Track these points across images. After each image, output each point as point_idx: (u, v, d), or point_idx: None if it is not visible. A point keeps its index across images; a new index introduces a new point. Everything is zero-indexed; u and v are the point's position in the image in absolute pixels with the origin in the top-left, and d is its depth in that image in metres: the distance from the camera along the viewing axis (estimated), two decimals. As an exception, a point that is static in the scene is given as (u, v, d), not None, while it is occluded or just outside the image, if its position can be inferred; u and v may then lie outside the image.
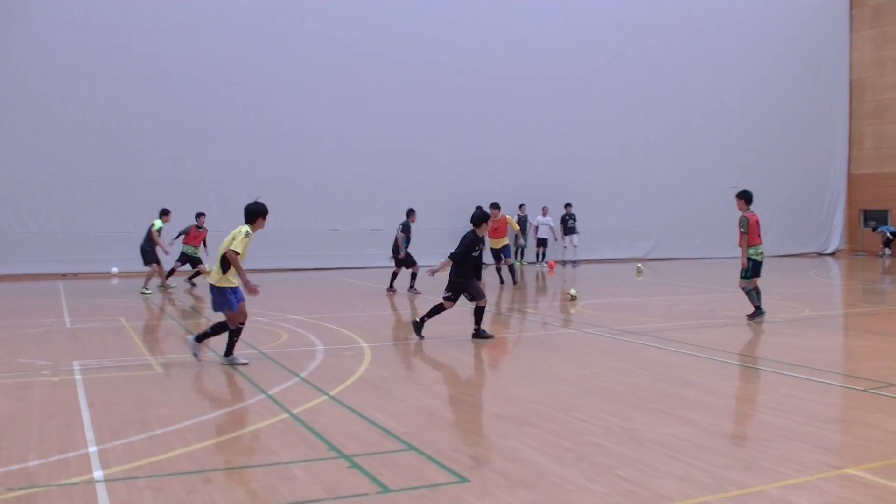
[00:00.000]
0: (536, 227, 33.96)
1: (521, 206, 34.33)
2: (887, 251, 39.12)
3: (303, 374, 11.79)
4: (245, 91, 30.97)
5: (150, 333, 16.50)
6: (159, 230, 23.84)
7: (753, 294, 17.17)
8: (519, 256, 34.89)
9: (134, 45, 29.77)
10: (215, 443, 8.40)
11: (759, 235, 17.16)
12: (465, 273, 15.13)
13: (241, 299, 12.60)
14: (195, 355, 12.66)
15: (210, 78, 30.61)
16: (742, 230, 17.06)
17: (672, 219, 38.18)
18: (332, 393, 10.62)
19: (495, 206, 25.26)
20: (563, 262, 33.76)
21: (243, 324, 12.76)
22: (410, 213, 24.10)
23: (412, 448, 8.15)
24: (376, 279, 26.18)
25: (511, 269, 25.71)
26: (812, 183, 41.97)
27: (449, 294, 15.27)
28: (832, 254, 42.50)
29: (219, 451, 8.11)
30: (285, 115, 31.41)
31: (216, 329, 12.72)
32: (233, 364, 12.52)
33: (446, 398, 10.45)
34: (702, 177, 38.64)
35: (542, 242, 34.09)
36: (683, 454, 7.96)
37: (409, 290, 22.99)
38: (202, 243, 25.55)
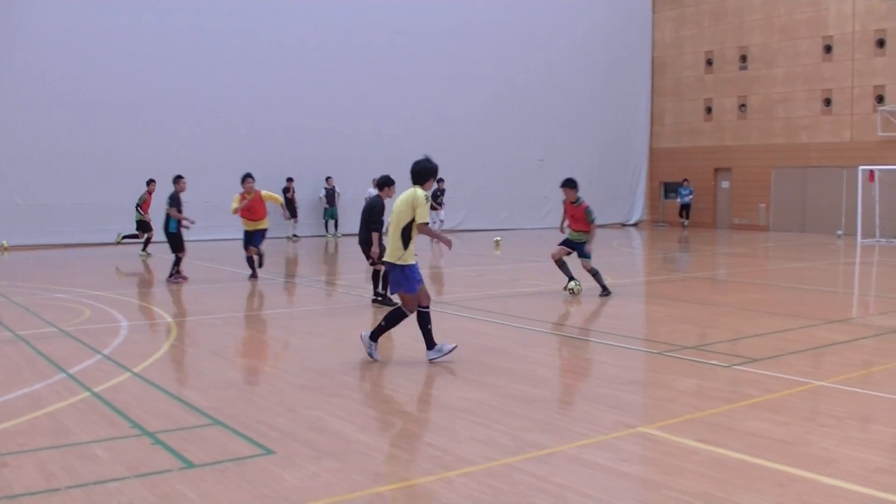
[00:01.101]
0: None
1: (327, 178, 34.24)
2: (685, 221, 40.60)
3: (105, 352, 11.49)
4: (21, 59, 29.36)
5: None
6: None
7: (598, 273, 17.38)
8: (334, 229, 34.72)
9: None
10: (11, 425, 8.08)
11: None
12: (370, 239, 15.55)
13: (420, 281, 10.83)
14: (371, 355, 10.88)
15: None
16: (591, 220, 16.94)
17: (481, 191, 38.76)
18: (135, 370, 10.40)
19: (248, 177, 19.68)
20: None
21: (428, 307, 10.90)
22: (177, 179, 20.20)
23: (217, 422, 8.07)
24: (205, 252, 25.65)
25: (261, 258, 20.30)
26: (615, 156, 43.27)
27: (372, 259, 15.68)
28: (634, 224, 43.95)
29: (15, 434, 7.81)
30: (76, 87, 29.88)
31: (391, 320, 10.88)
32: (442, 353, 10.83)
33: (252, 371, 10.39)
34: (509, 150, 39.34)
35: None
36: (486, 419, 8.14)
37: (168, 279, 19.51)
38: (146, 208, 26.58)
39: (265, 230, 20.00)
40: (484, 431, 7.75)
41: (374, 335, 10.88)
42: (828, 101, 37.74)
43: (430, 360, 10.75)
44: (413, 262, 10.66)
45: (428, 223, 10.55)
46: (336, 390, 9.32)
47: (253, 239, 19.74)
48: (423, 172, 10.78)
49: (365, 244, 15.73)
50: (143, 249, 26.53)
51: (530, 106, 40.00)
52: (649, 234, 38.35)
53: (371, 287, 15.92)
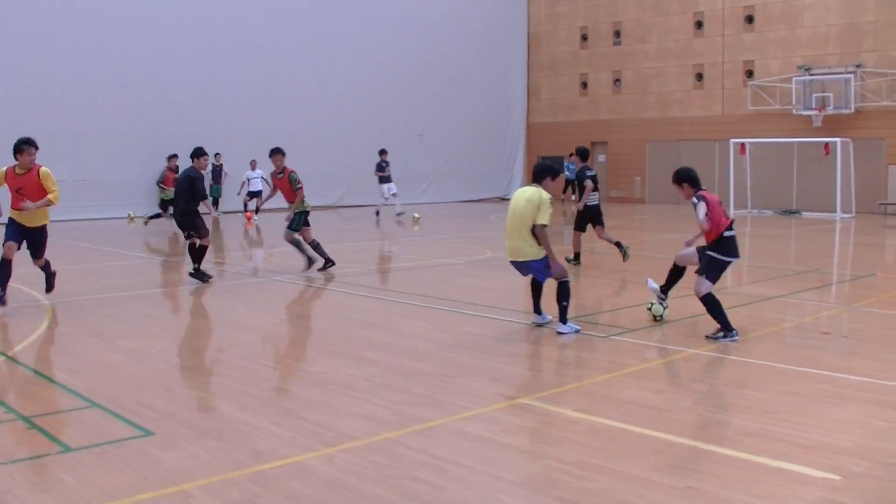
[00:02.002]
0: (247, 181, 32.49)
1: (216, 154, 33.45)
2: (572, 196, 40.75)
3: (-24, 336, 11.23)
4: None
5: None
6: None
7: (306, 246, 17.25)
8: (215, 207, 33.91)
9: None
10: None
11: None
12: (193, 211, 15.59)
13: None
14: (577, 331, 10.89)
15: None
16: (298, 186, 17.03)
17: (360, 166, 38.47)
18: (9, 353, 10.16)
19: (26, 144, 12.88)
20: (378, 212, 31.91)
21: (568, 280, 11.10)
22: None
23: (94, 405, 7.93)
24: (78, 232, 25.03)
25: (49, 275, 13.98)
26: (493, 131, 43.54)
27: (189, 232, 15.74)
28: (513, 199, 44.26)
29: None
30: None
31: (564, 296, 10.94)
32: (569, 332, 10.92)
33: (130, 352, 10.20)
34: (390, 125, 39.14)
35: (256, 195, 32.66)
36: (367, 394, 8.16)
37: None
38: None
39: (45, 227, 13.56)
40: (364, 406, 7.77)
41: (563, 317, 10.96)
42: (699, 76, 38.51)
43: (559, 332, 10.93)
44: (544, 253, 10.94)
45: (546, 225, 10.81)
46: (215, 369, 9.26)
47: (36, 240, 13.48)
48: (542, 171, 11.40)
49: (187, 216, 15.73)
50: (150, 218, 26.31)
51: (409, 81, 39.93)
52: (528, 208, 38.61)
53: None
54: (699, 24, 38.32)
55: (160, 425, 7.31)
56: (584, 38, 42.66)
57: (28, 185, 12.93)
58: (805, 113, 34.27)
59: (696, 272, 11.04)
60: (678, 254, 11.87)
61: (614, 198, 40.69)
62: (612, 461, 6.35)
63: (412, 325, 11.70)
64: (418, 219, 29.07)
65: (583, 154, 18.44)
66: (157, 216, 26.64)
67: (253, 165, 31.48)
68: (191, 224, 15.67)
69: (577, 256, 17.99)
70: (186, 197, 15.60)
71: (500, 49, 43.65)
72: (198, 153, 15.93)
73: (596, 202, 17.85)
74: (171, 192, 25.65)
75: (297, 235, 17.09)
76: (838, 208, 30.75)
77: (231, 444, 6.82)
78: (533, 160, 44.62)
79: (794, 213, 33.17)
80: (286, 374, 8.96)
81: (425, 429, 7.15)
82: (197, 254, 15.69)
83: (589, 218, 17.91)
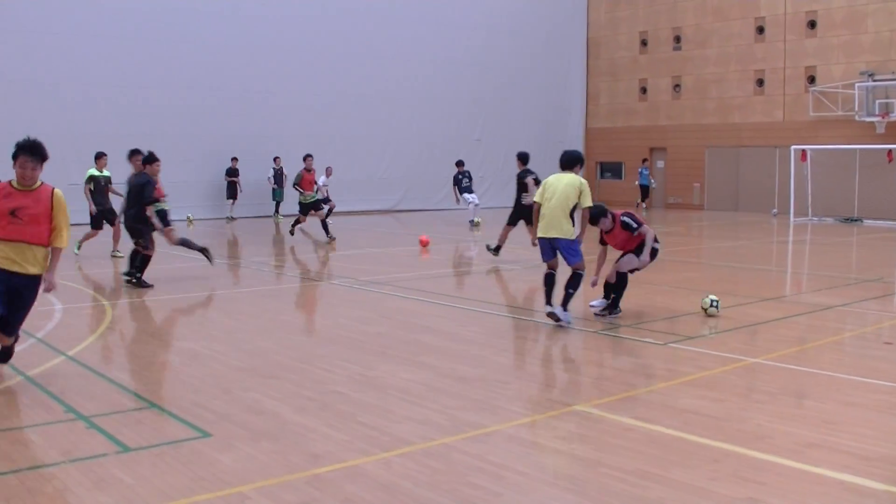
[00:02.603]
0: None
1: (275, 158, 33.50)
2: (643, 204, 40.07)
3: (39, 335, 11.29)
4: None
5: None
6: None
7: (193, 243, 17.04)
8: (276, 211, 33.84)
9: None
10: (-59, 409, 7.98)
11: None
12: (144, 219, 15.68)
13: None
14: (568, 322, 11.84)
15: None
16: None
17: (419, 170, 38.60)
18: (70, 353, 10.27)
19: (24, 149, 8.46)
20: (470, 221, 30.51)
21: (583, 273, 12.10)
22: None
23: (153, 405, 8.01)
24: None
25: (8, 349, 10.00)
26: (551, 136, 43.27)
27: (137, 240, 15.68)
28: (571, 205, 44.07)
29: (-55, 418, 7.71)
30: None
31: (574, 285, 11.96)
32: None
33: (188, 353, 10.28)
34: (447, 129, 39.21)
35: (323, 201, 32.12)
36: (422, 398, 8.16)
37: None
38: (315, 185, 26.24)
39: (38, 280, 8.73)
40: (420, 411, 7.76)
41: (566, 303, 11.83)
42: (760, 82, 38.15)
43: (555, 314, 11.71)
44: (575, 236, 11.96)
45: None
46: (271, 371, 9.28)
47: (16, 292, 8.56)
48: (574, 159, 12.18)
49: (138, 223, 15.66)
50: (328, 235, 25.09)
51: (467, 86, 39.91)
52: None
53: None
54: (760, 30, 37.96)
55: (217, 427, 7.35)
56: (644, 43, 42.47)
57: (28, 207, 8.48)
58: (868, 119, 33.80)
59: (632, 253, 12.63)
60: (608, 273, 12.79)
61: (672, 204, 40.40)
62: (668, 470, 6.29)
63: (468, 330, 11.67)
64: (478, 224, 28.95)
65: (524, 158, 19.99)
66: (296, 222, 25.74)
67: (328, 172, 30.93)
68: (139, 232, 15.61)
69: (497, 248, 19.38)
70: (139, 203, 15.58)
71: (559, 54, 43.57)
72: (150, 159, 15.82)
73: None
74: (309, 196, 25.09)
75: (173, 234, 16.72)
76: (901, 216, 30.33)
77: (287, 447, 6.84)
78: (591, 166, 44.55)
79: (856, 220, 32.70)
80: (342, 377, 8.97)
81: (481, 434, 7.12)
82: (140, 263, 15.59)
83: (523, 216, 18.87)
